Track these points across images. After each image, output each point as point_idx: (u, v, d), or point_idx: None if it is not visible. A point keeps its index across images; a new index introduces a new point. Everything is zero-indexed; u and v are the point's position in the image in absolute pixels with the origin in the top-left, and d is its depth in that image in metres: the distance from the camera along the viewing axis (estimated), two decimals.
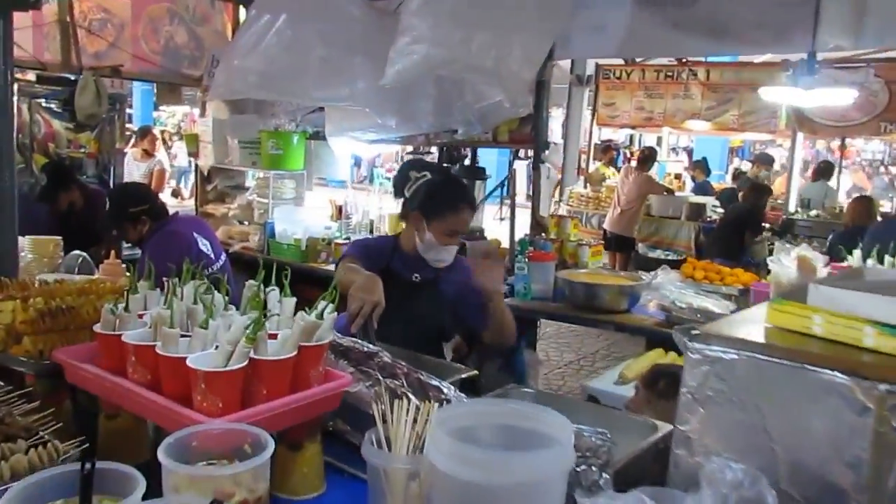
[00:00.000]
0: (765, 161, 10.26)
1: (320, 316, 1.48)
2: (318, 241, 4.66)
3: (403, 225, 2.79)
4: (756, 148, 19.53)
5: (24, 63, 4.48)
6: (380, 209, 5.11)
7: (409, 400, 1.42)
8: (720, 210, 9.20)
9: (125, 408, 1.48)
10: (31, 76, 4.39)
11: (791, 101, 5.24)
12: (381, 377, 1.69)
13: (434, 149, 4.89)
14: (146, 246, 3.86)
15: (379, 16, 4.10)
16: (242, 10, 5.55)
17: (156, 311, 1.46)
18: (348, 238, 4.91)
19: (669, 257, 8.76)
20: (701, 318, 3.35)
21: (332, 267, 4.65)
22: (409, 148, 5.32)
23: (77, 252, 2.69)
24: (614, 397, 2.76)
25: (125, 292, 1.59)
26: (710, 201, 9.32)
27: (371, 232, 5.08)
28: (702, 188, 10.36)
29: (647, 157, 9.51)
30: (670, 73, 9.31)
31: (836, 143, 13.10)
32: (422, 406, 1.37)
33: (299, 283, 4.57)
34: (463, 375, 1.98)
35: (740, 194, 9.91)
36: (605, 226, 9.15)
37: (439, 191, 2.60)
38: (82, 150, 4.87)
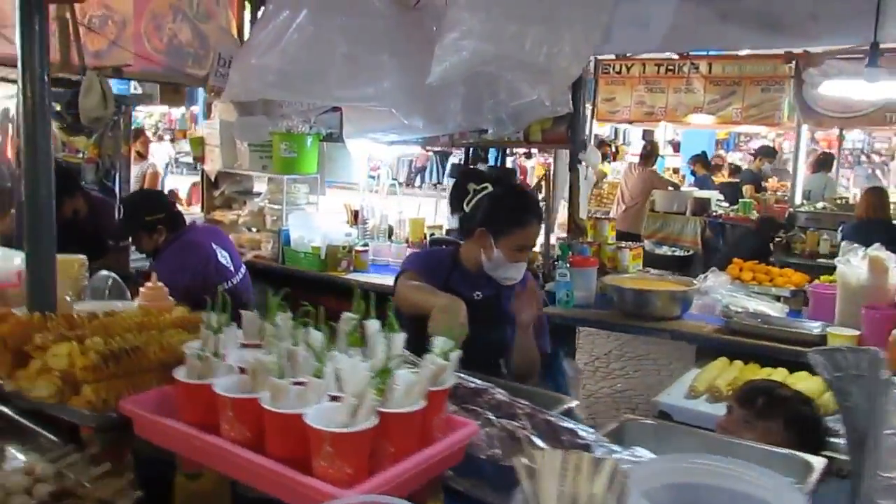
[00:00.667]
0: (767, 154, 10.15)
1: (446, 356, 1.26)
2: (338, 249, 4.43)
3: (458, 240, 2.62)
4: (740, 140, 19.59)
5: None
6: (399, 213, 4.88)
7: (554, 449, 1.22)
8: (724, 204, 9.10)
9: (217, 470, 1.26)
10: None
11: (855, 95, 5.05)
12: (492, 417, 1.48)
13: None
14: (161, 257, 3.63)
15: (402, 11, 3.88)
16: (244, 7, 5.36)
17: (253, 357, 1.24)
18: (366, 245, 4.69)
19: (676, 253, 8.64)
20: (760, 322, 3.18)
21: (353, 276, 4.43)
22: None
23: (105, 273, 2.45)
24: (689, 413, 2.57)
25: (208, 329, 1.36)
26: (714, 196, 9.20)
27: (389, 237, 4.86)
28: (703, 182, 10.24)
29: (651, 153, 9.37)
30: (671, 67, 9.16)
31: (819, 134, 13.06)
32: (568, 456, 1.17)
33: (318, 294, 4.37)
34: (565, 406, 1.78)
35: (744, 187, 9.88)
36: None
37: (505, 204, 2.42)
38: (79, 154, 4.59)
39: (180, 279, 3.47)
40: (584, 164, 3.75)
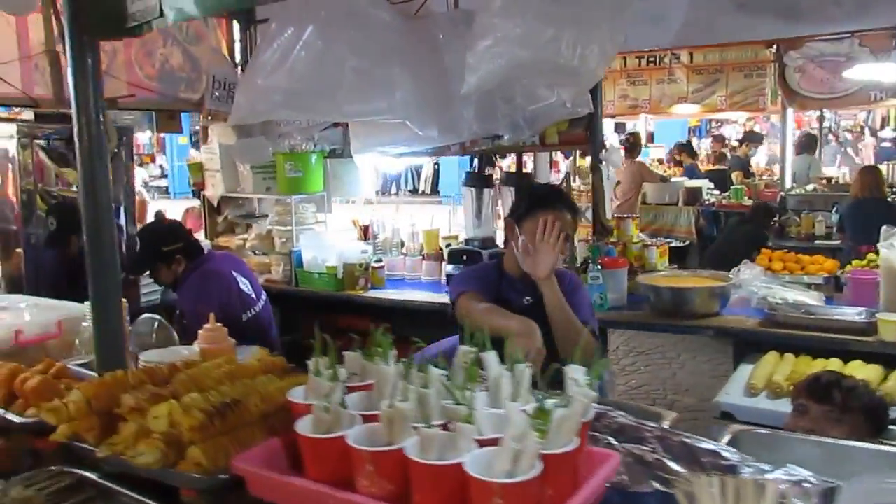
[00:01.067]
0: (753, 140, 10.22)
1: (591, 386, 1.18)
2: (354, 267, 4.33)
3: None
4: (712, 126, 19.76)
5: (14, 101, 4.06)
6: (412, 226, 4.79)
7: (703, 475, 1.15)
8: (716, 192, 9.12)
9: None
10: (26, 115, 3.96)
11: (885, 77, 5.04)
12: (614, 442, 1.41)
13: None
14: (183, 288, 3.52)
15: (407, 21, 3.81)
16: (235, 26, 5.24)
17: (387, 405, 1.15)
18: (380, 260, 4.59)
19: (672, 244, 8.65)
20: (804, 312, 3.15)
21: (372, 294, 4.34)
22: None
23: (148, 316, 2.34)
24: (752, 412, 2.52)
25: (317, 375, 1.27)
26: (705, 184, 9.22)
27: (406, 250, 4.78)
28: (690, 172, 10.27)
29: (634, 144, 9.36)
30: (653, 59, 9.18)
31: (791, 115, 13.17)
32: (725, 482, 1.11)
33: (336, 314, 4.25)
34: (666, 422, 1.71)
35: (733, 174, 9.92)
36: None
37: (529, 192, 2.55)
38: (73, 188, 4.43)
39: (205, 309, 3.35)
40: (605, 163, 3.69)
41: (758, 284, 3.38)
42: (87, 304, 2.36)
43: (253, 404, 1.37)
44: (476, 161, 4.54)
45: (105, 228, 1.59)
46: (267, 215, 5.21)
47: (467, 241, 4.19)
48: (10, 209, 3.75)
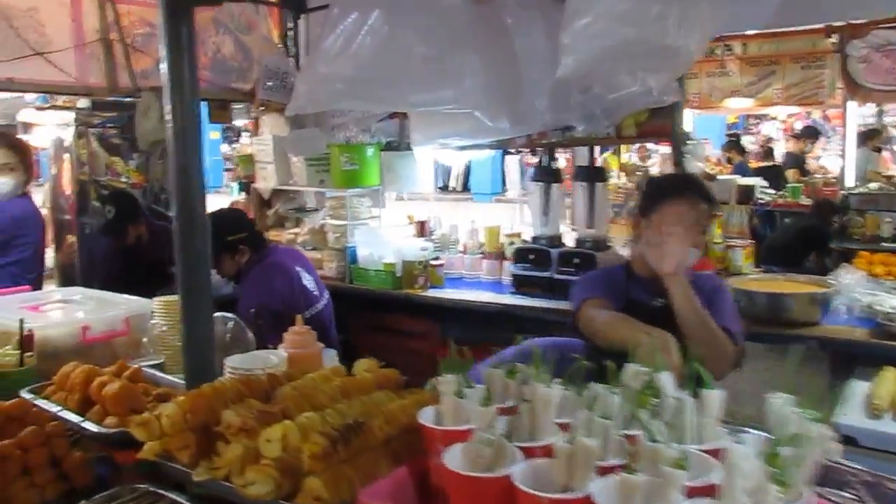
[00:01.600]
0: (809, 135, 9.82)
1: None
2: (414, 265, 4.13)
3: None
4: (749, 123, 19.23)
5: (69, 89, 3.91)
6: (472, 222, 4.58)
7: None
8: (770, 191, 8.77)
9: None
10: (81, 103, 3.82)
11: None
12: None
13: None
14: (246, 280, 3.37)
15: (478, 5, 3.60)
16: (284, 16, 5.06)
17: (566, 440, 0.94)
18: (437, 257, 4.39)
19: None
20: None
21: (432, 293, 4.14)
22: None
23: (222, 314, 2.15)
24: (878, 437, 2.26)
25: (459, 396, 1.06)
26: (758, 182, 8.87)
27: (464, 248, 4.57)
28: (740, 169, 9.91)
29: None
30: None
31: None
32: None
33: (387, 313, 4.05)
34: None
35: (788, 171, 9.54)
36: None
37: (653, 183, 2.43)
38: (122, 178, 4.29)
39: (269, 303, 3.22)
40: (689, 157, 3.45)
41: (861, 290, 3.12)
42: (155, 300, 2.21)
43: (377, 427, 1.17)
44: (543, 156, 4.31)
45: (197, 219, 1.40)
46: (318, 209, 5.05)
47: (534, 240, 3.97)
48: (65, 199, 3.61)
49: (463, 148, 4.24)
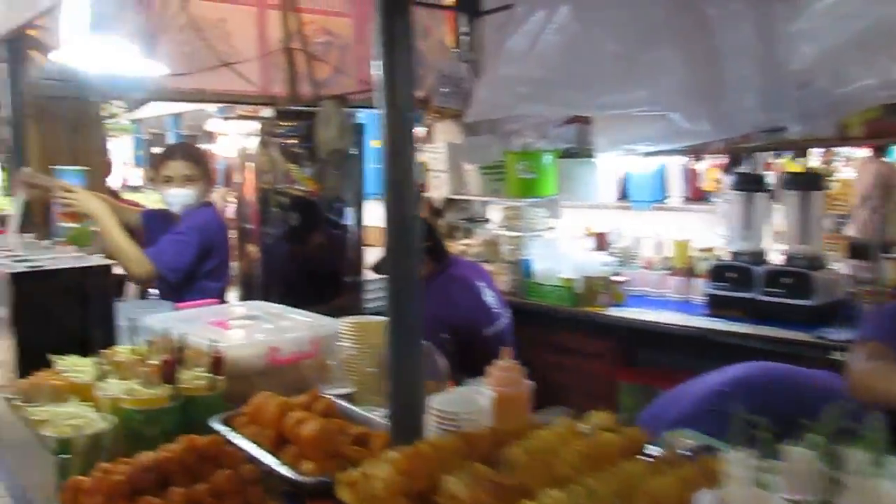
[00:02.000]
0: None
1: None
2: (595, 281, 3.83)
3: None
4: None
5: (254, 99, 3.97)
6: (657, 235, 4.22)
7: None
8: None
9: None
10: (266, 112, 3.87)
11: None
12: None
13: None
14: (427, 292, 3.23)
15: None
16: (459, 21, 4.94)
17: None
18: (618, 273, 4.07)
19: None
20: None
21: (613, 311, 3.82)
22: None
23: None
24: None
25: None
26: None
27: (646, 263, 4.21)
28: None
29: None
30: None
31: None
32: None
33: (560, 331, 3.76)
34: None
35: None
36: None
37: None
38: (297, 187, 4.29)
39: (449, 317, 3.08)
40: None
41: None
42: (342, 321, 2.07)
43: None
44: (746, 161, 3.87)
45: (410, 239, 1.21)
46: (489, 220, 4.87)
47: (735, 256, 3.55)
48: (248, 208, 3.64)
49: (650, 154, 3.89)
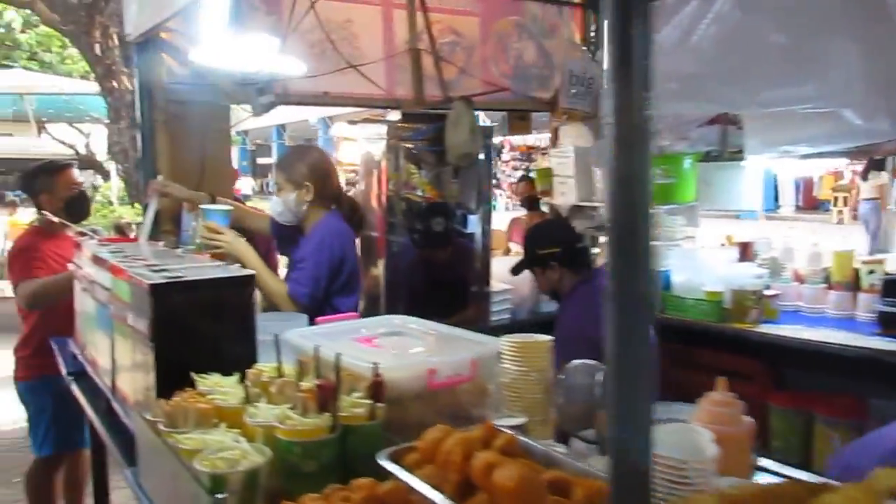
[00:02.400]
0: None
1: None
2: (746, 295, 3.49)
3: None
4: None
5: (379, 102, 3.83)
6: (814, 245, 3.83)
7: None
8: None
9: None
10: (392, 115, 3.72)
11: None
12: None
13: None
14: (567, 302, 3.04)
15: None
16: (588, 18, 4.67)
17: None
18: (767, 286, 3.70)
19: None
20: None
21: (765, 328, 3.46)
22: None
23: (585, 362, 1.75)
24: None
25: None
26: None
27: (796, 276, 3.83)
28: None
29: None
30: None
31: None
32: None
33: (709, 349, 3.43)
34: None
35: None
36: None
37: None
38: (418, 193, 4.12)
39: (586, 331, 2.82)
40: None
41: None
42: (504, 339, 1.86)
43: None
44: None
45: (639, 251, 0.97)
46: None
47: None
48: (373, 215, 3.49)
49: (807, 156, 3.53)
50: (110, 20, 10.07)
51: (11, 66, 17.43)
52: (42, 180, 3.31)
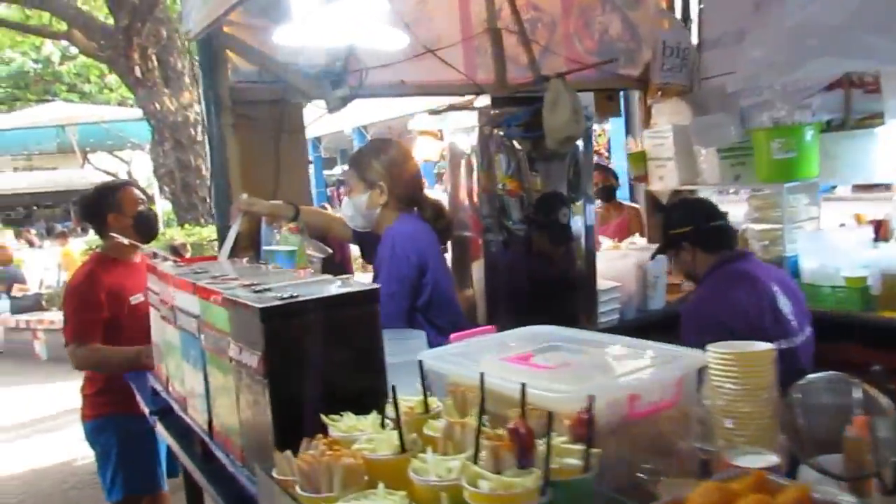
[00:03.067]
0: None
1: None
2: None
3: None
4: None
5: (460, 88, 3.48)
6: None
7: None
8: None
9: None
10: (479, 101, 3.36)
11: None
12: None
13: None
14: (698, 290, 2.66)
15: None
16: None
17: None
18: None
19: None
20: None
21: None
22: None
23: (829, 375, 1.36)
24: None
25: None
26: None
27: None
28: None
29: None
30: None
31: None
32: None
33: (849, 343, 2.95)
34: None
35: None
36: None
37: None
38: (499, 186, 3.73)
39: (730, 320, 2.45)
40: None
41: None
42: (711, 349, 1.46)
43: None
44: None
45: None
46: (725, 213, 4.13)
47: None
48: (465, 213, 3.12)
49: None
50: (148, 41, 9.92)
51: (52, 101, 17.56)
52: (107, 200, 3.02)
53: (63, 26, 11.57)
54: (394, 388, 1.43)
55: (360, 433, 1.35)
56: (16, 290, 9.80)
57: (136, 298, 2.97)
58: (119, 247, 2.99)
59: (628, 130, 4.53)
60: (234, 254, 2.78)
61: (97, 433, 3.07)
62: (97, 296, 2.92)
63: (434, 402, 1.44)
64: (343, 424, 1.39)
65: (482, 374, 1.30)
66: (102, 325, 2.92)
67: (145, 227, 3.03)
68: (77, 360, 2.94)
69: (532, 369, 1.47)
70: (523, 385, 1.17)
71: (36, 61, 19.56)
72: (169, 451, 2.94)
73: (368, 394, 1.53)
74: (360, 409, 1.45)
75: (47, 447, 5.69)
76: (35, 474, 5.32)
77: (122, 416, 2.97)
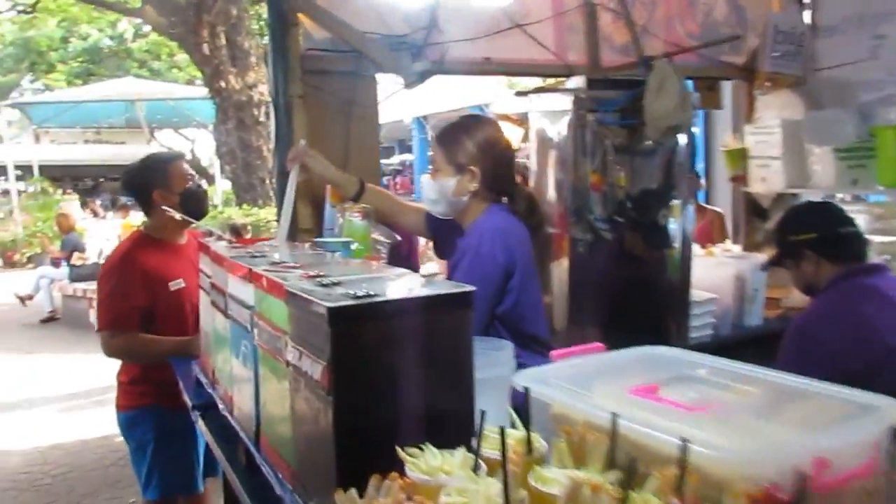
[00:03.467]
0: None
1: None
2: None
3: None
4: None
5: (548, 69, 3.16)
6: None
7: None
8: None
9: None
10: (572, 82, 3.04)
11: None
12: None
13: None
14: (816, 304, 2.31)
15: None
16: None
17: None
18: None
19: None
20: None
21: None
22: None
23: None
24: None
25: None
26: None
27: None
28: None
29: None
30: None
31: None
32: None
33: None
34: None
35: None
36: None
37: None
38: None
39: (828, 343, 2.12)
40: None
41: None
42: None
43: None
44: None
45: None
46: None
47: None
48: (551, 207, 2.80)
49: None
50: (217, 19, 9.84)
51: (123, 77, 17.82)
52: (154, 174, 2.76)
53: (137, 2, 11.59)
54: (483, 413, 1.14)
55: (446, 478, 1.05)
56: (75, 259, 9.85)
57: (177, 284, 2.72)
58: (163, 226, 2.76)
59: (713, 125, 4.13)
60: (294, 236, 2.52)
61: (132, 426, 2.83)
62: (133, 279, 2.67)
63: (536, 441, 1.14)
64: (424, 463, 1.09)
65: (614, 416, 0.98)
66: (139, 312, 2.68)
67: (193, 205, 2.76)
68: (110, 348, 2.68)
69: (668, 408, 1.14)
70: (685, 442, 0.85)
71: (111, 38, 19.90)
72: (208, 447, 2.69)
73: (451, 419, 1.25)
74: (440, 438, 1.15)
75: (94, 420, 5.61)
76: (80, 446, 5.24)
77: (159, 408, 2.73)
